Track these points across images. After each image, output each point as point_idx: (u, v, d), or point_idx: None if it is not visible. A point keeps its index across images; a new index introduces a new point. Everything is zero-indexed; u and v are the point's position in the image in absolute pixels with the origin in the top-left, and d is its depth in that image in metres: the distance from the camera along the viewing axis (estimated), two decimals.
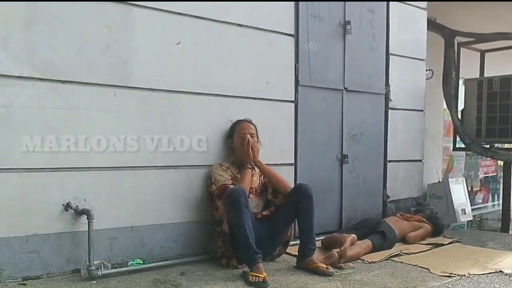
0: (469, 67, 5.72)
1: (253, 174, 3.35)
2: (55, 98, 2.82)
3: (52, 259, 2.83)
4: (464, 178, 5.79)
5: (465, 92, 5.24)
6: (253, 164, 3.34)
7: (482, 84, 5.03)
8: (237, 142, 3.37)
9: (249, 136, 3.33)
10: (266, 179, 3.42)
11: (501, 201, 5.74)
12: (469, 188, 6.35)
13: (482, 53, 5.85)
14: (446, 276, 3.06)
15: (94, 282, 2.76)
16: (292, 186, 3.45)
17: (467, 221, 5.64)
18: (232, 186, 3.15)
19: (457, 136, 5.33)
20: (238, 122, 3.45)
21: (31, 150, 2.75)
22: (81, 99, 2.90)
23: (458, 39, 5.46)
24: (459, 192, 5.45)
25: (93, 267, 2.79)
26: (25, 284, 2.67)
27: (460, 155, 6.25)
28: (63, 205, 2.85)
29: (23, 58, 2.71)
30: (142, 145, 3.14)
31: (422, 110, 5.00)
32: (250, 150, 3.30)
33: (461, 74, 5.45)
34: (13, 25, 2.69)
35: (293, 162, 3.94)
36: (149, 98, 3.16)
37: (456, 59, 5.32)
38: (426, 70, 5.07)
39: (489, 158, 6.29)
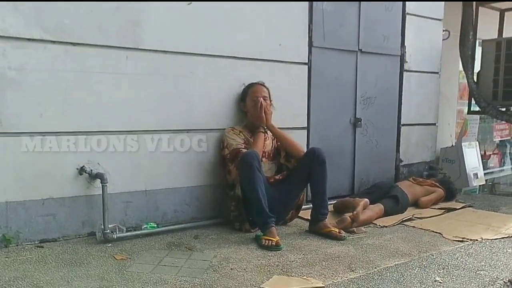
0: (487, 27, 5.54)
1: (266, 138, 3.32)
2: (66, 61, 2.78)
3: (67, 222, 2.86)
4: (477, 142, 5.73)
5: (482, 54, 5.10)
6: (265, 127, 3.30)
7: (500, 45, 4.89)
8: (250, 106, 3.32)
9: (262, 99, 3.28)
10: (279, 143, 3.39)
11: None
12: (482, 152, 6.28)
13: (502, 12, 5.64)
14: (458, 240, 3.07)
15: (110, 245, 2.80)
16: (305, 150, 3.43)
17: (479, 185, 5.61)
18: (244, 150, 3.14)
19: (472, 99, 5.23)
20: (251, 85, 3.40)
21: (43, 113, 2.74)
22: (93, 62, 2.86)
23: None
24: (472, 156, 5.39)
25: (108, 230, 2.83)
26: (42, 247, 2.71)
27: (474, 119, 6.16)
28: (77, 169, 2.87)
29: (33, 21, 2.66)
30: (155, 108, 3.11)
31: (437, 72, 4.90)
32: (263, 114, 3.26)
33: (478, 35, 5.29)
34: None
35: (306, 125, 3.90)
36: (161, 61, 3.11)
37: (474, 19, 5.15)
38: (443, 30, 4.93)
39: (503, 122, 6.20)
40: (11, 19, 2.60)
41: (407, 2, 4.49)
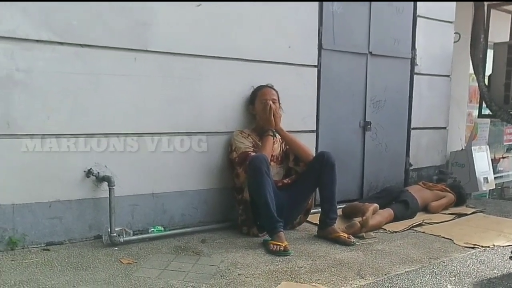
0: (498, 30, 5.48)
1: (275, 142, 3.28)
2: (74, 63, 2.76)
3: (74, 225, 2.84)
4: (487, 146, 5.65)
5: (493, 57, 5.03)
6: (274, 131, 3.26)
7: None
8: (259, 109, 3.29)
9: (271, 102, 3.25)
10: (288, 147, 3.35)
11: None
12: (493, 156, 6.20)
13: None
14: (469, 247, 3.02)
15: (116, 248, 2.77)
16: (314, 153, 3.38)
17: (489, 189, 5.53)
18: (253, 154, 3.10)
19: (483, 103, 5.16)
20: (260, 87, 3.36)
21: (51, 116, 2.71)
22: (101, 64, 2.84)
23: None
24: (482, 160, 5.32)
25: (115, 234, 2.80)
26: (48, 250, 2.69)
27: (484, 123, 6.08)
28: (84, 171, 2.84)
29: (41, 22, 2.64)
30: (163, 110, 3.09)
31: (448, 76, 4.85)
32: (272, 117, 3.21)
33: (490, 37, 5.22)
34: None
35: (315, 129, 3.86)
36: (170, 63, 3.09)
37: (485, 22, 5.09)
38: (454, 33, 4.87)
39: None
40: (19, 20, 2.58)
41: (418, 4, 4.43)
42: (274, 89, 3.36)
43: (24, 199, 2.68)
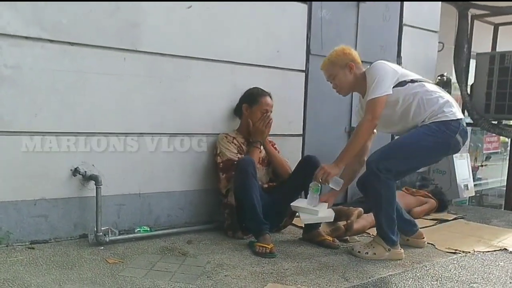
0: (481, 41, 5.61)
1: (260, 151, 3.29)
2: (63, 61, 2.75)
3: (59, 224, 2.82)
4: (468, 154, 5.76)
5: (476, 67, 5.15)
6: (262, 142, 3.27)
7: (494, 58, 4.94)
8: (256, 116, 3.24)
9: (270, 115, 3.25)
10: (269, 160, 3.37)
11: (505, 178, 5.72)
12: (472, 164, 6.32)
13: (496, 26, 5.73)
14: (451, 252, 3.07)
15: (102, 247, 2.76)
16: (292, 169, 3.36)
17: (469, 196, 5.63)
18: (238, 159, 3.11)
19: (465, 111, 5.26)
20: (263, 93, 3.30)
21: (39, 113, 2.70)
22: (90, 62, 2.83)
23: (472, 11, 5.33)
24: (462, 168, 5.41)
25: (101, 233, 2.79)
26: (33, 248, 2.67)
27: None
28: (71, 170, 2.83)
29: (31, 19, 2.62)
30: (150, 110, 3.09)
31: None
32: (266, 130, 3.23)
33: (473, 48, 5.34)
34: None
35: (301, 133, 3.90)
36: (158, 63, 3.09)
37: (469, 32, 5.21)
38: (438, 42, 4.97)
39: (494, 135, 6.26)
40: (9, 17, 2.56)
41: (404, 13, 4.51)
42: (271, 98, 3.34)
43: (9, 197, 2.65)
